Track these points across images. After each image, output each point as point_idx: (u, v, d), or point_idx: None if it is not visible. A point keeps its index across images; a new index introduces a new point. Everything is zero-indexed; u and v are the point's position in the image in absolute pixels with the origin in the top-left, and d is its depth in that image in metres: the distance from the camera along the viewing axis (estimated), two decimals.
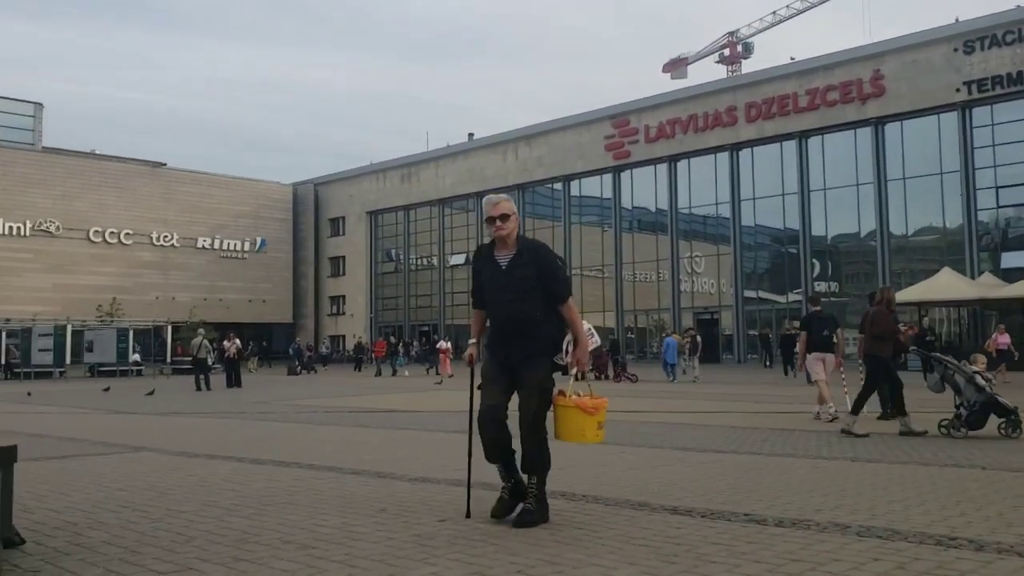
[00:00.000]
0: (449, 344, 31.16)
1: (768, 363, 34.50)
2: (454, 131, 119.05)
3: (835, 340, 11.77)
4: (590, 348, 4.80)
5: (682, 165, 43.06)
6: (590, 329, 4.92)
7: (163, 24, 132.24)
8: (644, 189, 44.96)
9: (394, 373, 31.93)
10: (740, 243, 40.92)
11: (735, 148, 40.81)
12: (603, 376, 26.03)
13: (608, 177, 45.91)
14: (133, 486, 6.26)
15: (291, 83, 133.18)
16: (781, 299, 40.39)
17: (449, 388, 22.23)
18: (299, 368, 37.54)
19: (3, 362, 37.33)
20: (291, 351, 40.94)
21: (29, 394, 19.93)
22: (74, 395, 21.85)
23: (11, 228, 49.09)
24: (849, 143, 37.72)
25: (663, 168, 43.47)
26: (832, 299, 35.86)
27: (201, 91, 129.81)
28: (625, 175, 45.42)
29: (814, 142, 38.79)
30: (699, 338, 27.33)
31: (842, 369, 12.11)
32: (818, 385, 11.42)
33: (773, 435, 9.45)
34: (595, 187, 47.21)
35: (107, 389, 22.23)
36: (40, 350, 34.18)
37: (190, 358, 23.50)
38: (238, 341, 24.33)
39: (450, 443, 8.70)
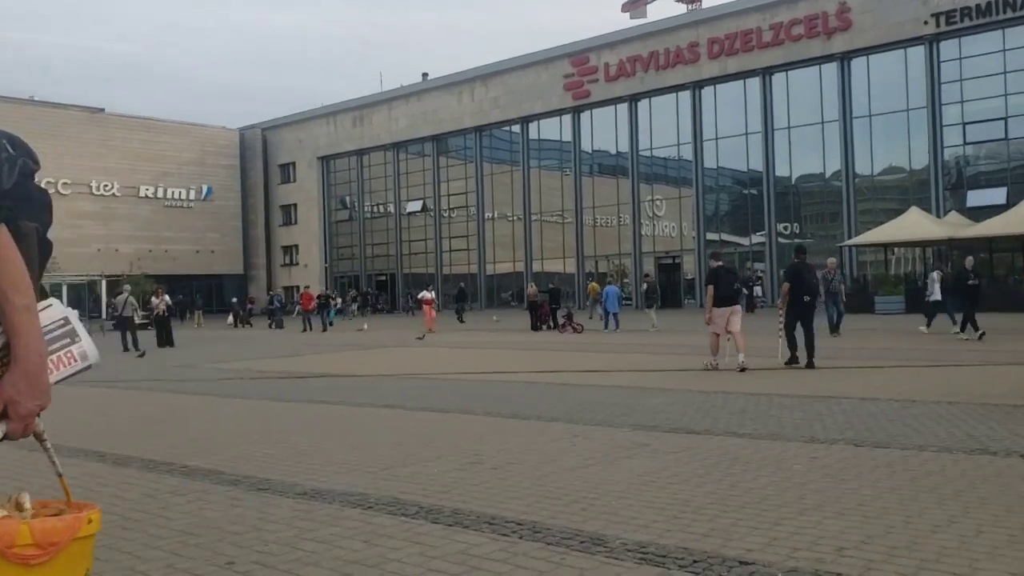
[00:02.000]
0: (433, 294, 28.83)
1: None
2: (408, 74, 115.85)
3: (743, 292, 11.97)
4: (65, 375, 1.75)
5: (643, 105, 41.54)
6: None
7: None
8: (604, 131, 43.43)
9: (325, 328, 29.72)
10: (702, 185, 39.74)
11: (697, 86, 39.36)
12: (546, 327, 24.98)
13: (567, 118, 44.27)
14: None
15: (238, 28, 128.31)
16: (744, 241, 39.44)
17: (416, 345, 20.90)
18: (238, 322, 38.05)
19: None
20: (233, 303, 41.42)
21: None
22: None
23: None
24: (814, 80, 36.47)
25: (623, 108, 41.92)
26: (795, 240, 34.86)
27: (146, 37, 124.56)
28: (585, 116, 43.79)
29: (778, 79, 37.46)
30: (652, 285, 26.16)
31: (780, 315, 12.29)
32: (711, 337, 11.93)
33: (746, 403, 8.23)
34: (554, 129, 45.57)
35: (142, 355, 20.29)
36: None
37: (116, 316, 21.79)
38: (167, 297, 22.62)
39: (373, 423, 7.37)
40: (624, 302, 39.96)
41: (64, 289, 35.05)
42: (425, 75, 53.33)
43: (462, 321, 31.70)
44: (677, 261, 42.11)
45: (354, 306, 43.19)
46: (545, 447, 6.21)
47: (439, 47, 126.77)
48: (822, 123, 36.17)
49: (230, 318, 39.45)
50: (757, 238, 38.37)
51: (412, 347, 19.81)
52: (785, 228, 37.95)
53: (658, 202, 42.52)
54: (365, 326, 29.79)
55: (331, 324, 31.19)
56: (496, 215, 48.47)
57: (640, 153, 41.80)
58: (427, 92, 50.59)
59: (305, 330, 29.31)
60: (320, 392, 10.65)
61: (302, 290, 37.46)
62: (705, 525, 4.02)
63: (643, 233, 42.04)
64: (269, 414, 8.67)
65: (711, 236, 39.85)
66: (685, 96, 39.81)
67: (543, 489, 4.84)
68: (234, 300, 42.94)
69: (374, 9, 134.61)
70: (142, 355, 18.67)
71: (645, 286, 27.00)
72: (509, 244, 47.64)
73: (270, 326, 34.01)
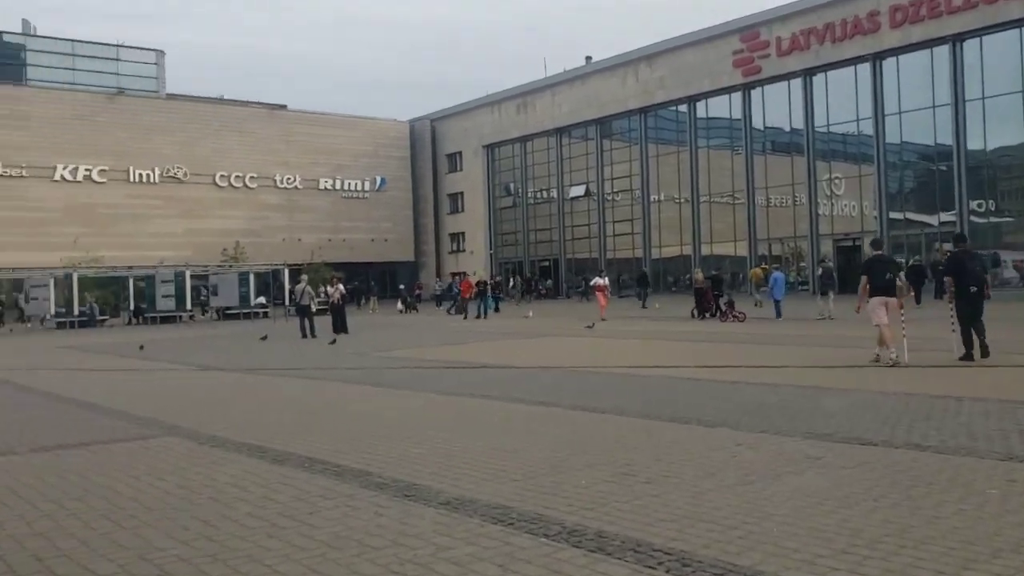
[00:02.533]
0: (607, 280, 27.87)
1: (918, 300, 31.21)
2: (572, 58, 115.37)
3: (898, 283, 11.55)
4: None
5: (818, 79, 39.25)
6: None
7: None
8: (777, 107, 41.42)
9: (482, 316, 29.18)
10: (884, 162, 37.13)
11: (878, 58, 36.72)
12: (708, 315, 23.98)
13: (737, 96, 42.55)
14: (92, 497, 5.04)
15: (406, 21, 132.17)
16: (932, 220, 36.58)
17: (583, 334, 20.75)
18: (406, 308, 39.49)
19: (132, 307, 38.49)
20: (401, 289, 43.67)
21: (141, 347, 19.69)
22: (184, 346, 21.65)
23: (141, 176, 50.41)
24: (1013, 44, 33.15)
25: (797, 84, 39.79)
26: (990, 219, 32.10)
27: (318, 34, 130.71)
28: (756, 93, 41.92)
29: (970, 46, 34.30)
30: (828, 270, 24.38)
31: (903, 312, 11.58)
32: (880, 330, 11.22)
33: (932, 407, 7.45)
34: (723, 107, 43.94)
35: (264, 338, 21.64)
36: (163, 296, 34.86)
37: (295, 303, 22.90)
38: (341, 287, 23.55)
39: (519, 420, 7.23)
40: (800, 288, 38.27)
41: (251, 278, 37.29)
42: (589, 58, 52.88)
43: (645, 307, 31.07)
44: (857, 243, 39.62)
45: (516, 291, 43.46)
46: (704, 458, 5.82)
47: (604, 29, 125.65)
48: (1023, 92, 32.87)
49: (399, 304, 40.86)
50: (946, 216, 35.49)
51: (576, 336, 19.62)
52: (979, 205, 34.85)
53: (836, 180, 40.15)
54: (530, 313, 29.83)
55: (496, 311, 31.41)
56: (662, 197, 47.44)
57: (816, 129, 39.60)
58: (590, 76, 50.11)
59: (465, 317, 29.62)
60: (478, 384, 10.64)
61: (463, 277, 37.80)
62: (878, 565, 3.55)
63: (820, 213, 39.88)
64: (427, 409, 8.70)
65: (895, 215, 37.25)
66: (864, 69, 37.28)
67: (698, 510, 4.48)
68: (401, 287, 44.35)
69: None
70: (333, 342, 19.24)
71: (820, 271, 25.45)
72: (676, 227, 46.52)
73: (448, 311, 34.64)
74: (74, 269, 34.98)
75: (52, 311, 33.14)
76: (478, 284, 30.46)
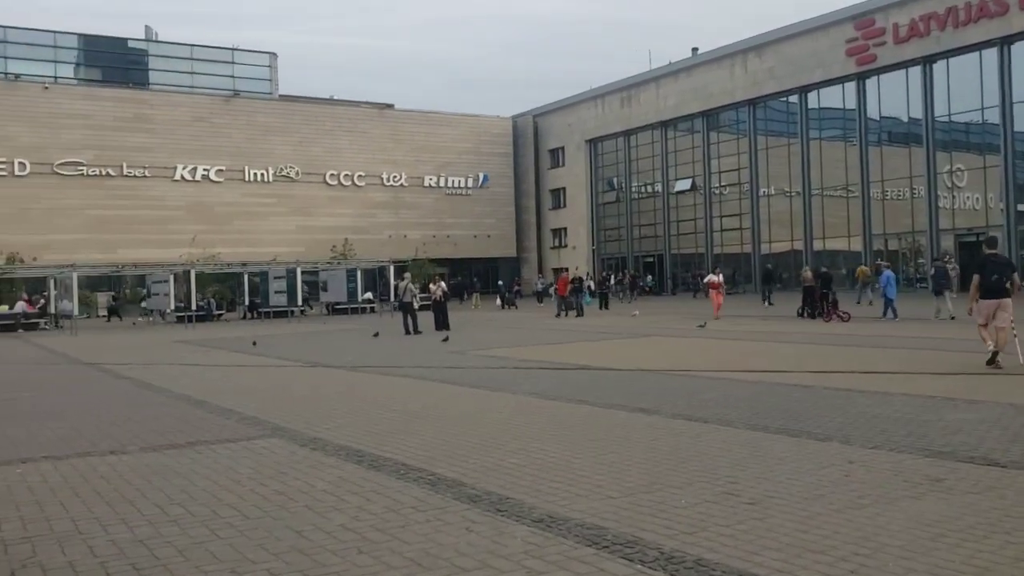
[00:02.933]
0: (721, 277, 26.55)
1: None
2: (676, 51, 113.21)
3: (1013, 284, 11.36)
4: None
5: (939, 67, 37.31)
6: None
7: None
8: (894, 97, 39.62)
9: (580, 313, 28.86)
10: (1012, 151, 35.01)
11: (1005, 42, 34.61)
12: (813, 314, 23.04)
13: (851, 86, 40.91)
14: (193, 503, 5.13)
15: (510, 18, 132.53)
16: None
17: (692, 334, 20.36)
18: (505, 304, 39.86)
19: (247, 302, 39.93)
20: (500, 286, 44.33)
21: (254, 343, 20.34)
22: (294, 342, 22.25)
23: (256, 175, 52.26)
24: None
25: (916, 72, 37.95)
26: None
27: (424, 33, 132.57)
28: (871, 82, 40.21)
29: None
30: (941, 268, 23.01)
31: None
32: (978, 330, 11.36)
33: None
34: (836, 98, 42.33)
35: (376, 335, 22.11)
36: (276, 292, 35.97)
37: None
38: (443, 284, 23.75)
39: (620, 428, 7.02)
40: (920, 286, 36.48)
41: (359, 274, 38.09)
42: (695, 50, 51.81)
43: (771, 304, 30.06)
44: (981, 238, 37.51)
45: (615, 287, 42.70)
46: (813, 477, 5.50)
47: (709, 20, 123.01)
48: None
49: (498, 300, 41.05)
50: None
51: (682, 336, 19.21)
52: None
53: (958, 172, 38.11)
54: (636, 312, 29.30)
55: (605, 308, 30.94)
56: (772, 191, 46.12)
57: (936, 119, 37.67)
58: (697, 67, 49.12)
59: (559, 314, 29.15)
60: (578, 388, 10.47)
61: (559, 275, 37.29)
62: None
63: (940, 207, 37.95)
64: (524, 414, 8.59)
65: (1023, 208, 35.12)
66: (990, 54, 35.22)
67: (805, 537, 4.21)
68: (500, 283, 44.71)
69: None
70: (446, 339, 19.35)
71: (933, 270, 24.16)
72: (786, 221, 45.14)
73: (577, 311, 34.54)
74: (192, 265, 36.47)
75: (172, 306, 34.63)
76: (573, 281, 30.00)
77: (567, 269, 56.44)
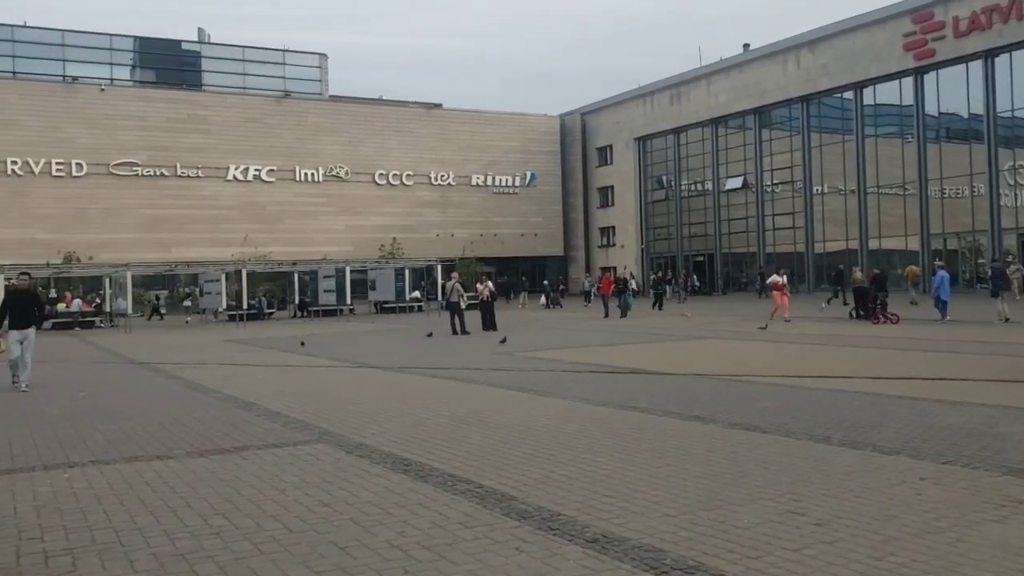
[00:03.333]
0: (785, 278, 25.16)
1: None
2: (728, 46, 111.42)
3: None
4: None
5: (1002, 61, 36.08)
6: None
7: None
8: (953, 92, 38.44)
9: (624, 314, 28.12)
10: None
11: None
12: (864, 315, 22.47)
13: (908, 81, 39.80)
14: (236, 514, 5.00)
15: (558, 14, 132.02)
16: None
17: (744, 338, 19.95)
18: (550, 303, 39.78)
19: (297, 301, 40.27)
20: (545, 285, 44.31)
21: (302, 344, 20.39)
22: (342, 341, 22.30)
23: (307, 175, 52.74)
24: None
25: (977, 66, 36.75)
26: None
27: (472, 31, 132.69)
28: (929, 77, 39.07)
29: None
30: (998, 269, 22.19)
31: None
32: None
33: None
34: (892, 94, 41.24)
35: (430, 335, 21.99)
36: (325, 291, 36.21)
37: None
38: (490, 284, 23.60)
39: (678, 444, 6.75)
40: (979, 286, 35.34)
41: (407, 273, 38.20)
42: (746, 46, 50.98)
43: (827, 304, 29.06)
44: None
45: (672, 286, 41.93)
46: (883, 494, 5.19)
47: (761, 15, 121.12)
48: None
49: (543, 299, 40.88)
50: None
51: (736, 339, 18.79)
52: None
53: (1021, 169, 36.87)
54: (688, 313, 28.79)
55: (659, 308, 30.24)
56: (826, 189, 45.15)
57: (998, 115, 36.47)
58: (748, 63, 48.27)
59: (607, 315, 28.70)
60: (630, 393, 10.20)
61: (604, 274, 36.73)
62: None
63: (1002, 205, 36.74)
64: (575, 421, 8.36)
65: None
66: None
67: (879, 566, 3.92)
68: (545, 282, 44.54)
69: None
70: (504, 341, 19.13)
71: (990, 271, 23.37)
72: (841, 220, 44.15)
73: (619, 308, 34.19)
74: (243, 265, 36.87)
75: (224, 305, 35.04)
76: (617, 281, 29.48)
77: (613, 269, 56.09)
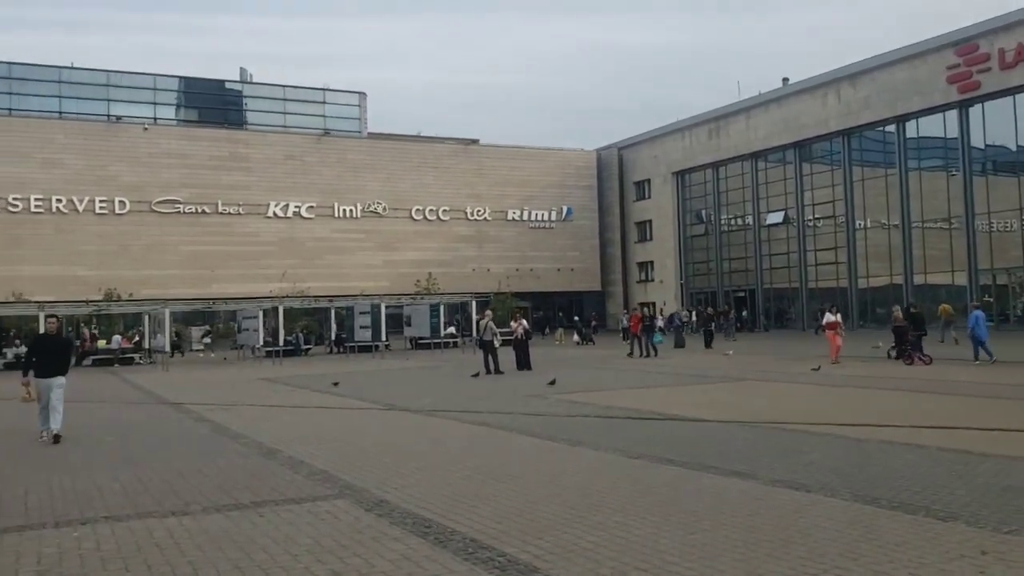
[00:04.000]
0: (839, 316, 23.85)
1: None
2: (766, 80, 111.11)
3: None
4: None
5: None
6: None
7: (471, 6, 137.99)
8: (1000, 124, 37.67)
9: (651, 354, 26.87)
10: None
11: None
12: (897, 356, 21.80)
13: (952, 114, 39.10)
14: None
15: (596, 50, 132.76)
16: None
17: (789, 380, 19.42)
18: (583, 340, 39.64)
19: (333, 337, 40.31)
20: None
21: (336, 384, 20.19)
22: (375, 380, 22.11)
23: (345, 211, 53.13)
24: None
25: None
26: None
27: (509, 66, 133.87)
28: (974, 110, 38.33)
29: None
30: None
31: None
32: None
33: None
34: (936, 126, 40.55)
35: (476, 375, 21.16)
36: (361, 327, 36.17)
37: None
38: (524, 323, 23.25)
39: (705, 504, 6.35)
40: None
41: (441, 308, 38.07)
42: (785, 80, 50.56)
43: (879, 346, 27.56)
44: None
45: (723, 322, 40.30)
46: (941, 571, 4.75)
47: (800, 50, 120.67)
48: None
49: (575, 336, 40.46)
50: None
51: (777, 380, 18.23)
52: None
53: None
54: (730, 351, 28.12)
55: (709, 347, 29.05)
56: (868, 223, 44.36)
57: None
58: (788, 97, 47.85)
59: (631, 353, 27.67)
60: (666, 443, 9.79)
61: (635, 310, 35.64)
62: None
63: None
64: (606, 476, 7.98)
65: None
66: None
67: None
68: (576, 318, 44.59)
69: (732, 16, 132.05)
70: (552, 383, 18.70)
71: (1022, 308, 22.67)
72: (884, 255, 43.29)
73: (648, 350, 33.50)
74: (280, 301, 37.01)
75: (261, 341, 35.13)
76: (643, 319, 28.33)
77: (652, 304, 55.45)
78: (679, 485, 7.43)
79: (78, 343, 37.62)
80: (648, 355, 26.86)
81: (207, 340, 45.49)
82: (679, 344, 32.30)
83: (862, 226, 44.50)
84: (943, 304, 32.87)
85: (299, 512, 6.73)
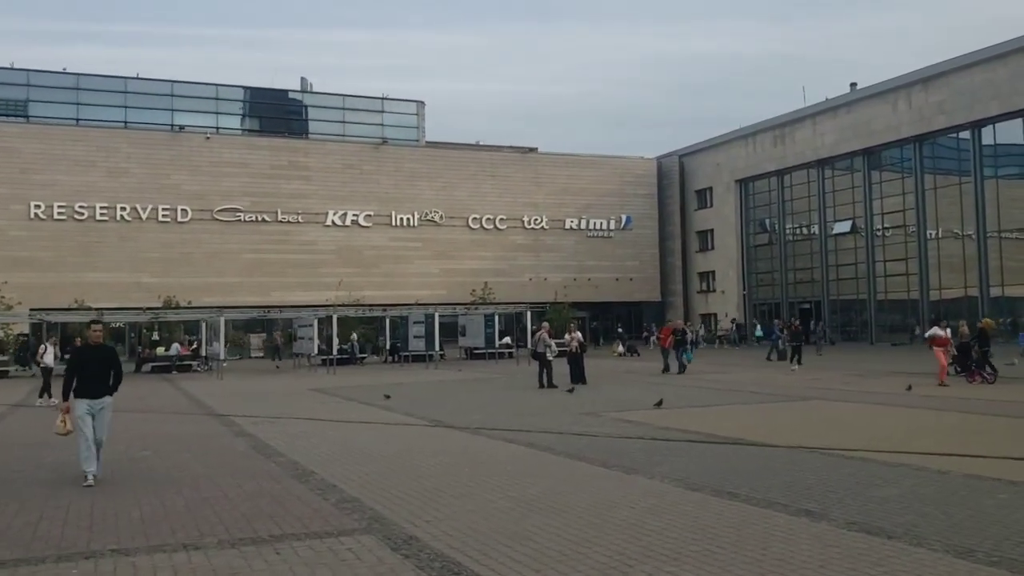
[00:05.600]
0: (948, 331, 21.70)
1: None
2: (832, 88, 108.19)
3: None
4: None
5: None
6: None
7: (533, 16, 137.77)
8: None
9: (681, 370, 25.17)
10: None
11: None
12: (961, 371, 20.62)
13: None
14: None
15: (657, 58, 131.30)
16: None
17: (855, 400, 18.40)
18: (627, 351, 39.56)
19: (388, 346, 40.06)
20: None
21: (387, 396, 19.71)
22: (426, 393, 21.65)
23: (402, 220, 53.07)
24: None
25: None
26: None
27: (571, 76, 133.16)
28: None
29: None
30: None
31: None
32: None
33: None
34: (1015, 133, 38.72)
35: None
36: (415, 336, 35.83)
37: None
38: (579, 334, 22.46)
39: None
40: None
41: (496, 318, 37.52)
42: (854, 85, 48.95)
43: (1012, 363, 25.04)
44: None
45: (819, 338, 37.72)
46: None
47: (867, 56, 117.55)
48: None
49: (619, 347, 39.48)
50: None
51: (846, 400, 17.15)
52: None
53: None
54: (795, 367, 26.82)
55: (799, 363, 27.00)
56: (941, 233, 42.55)
57: None
58: (857, 103, 46.29)
59: (665, 369, 25.77)
60: (728, 472, 8.98)
61: (668, 322, 33.86)
62: None
63: None
64: (660, 511, 7.24)
65: None
66: None
67: None
68: (620, 329, 44.22)
69: (795, 23, 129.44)
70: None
71: None
72: (958, 266, 41.47)
73: (768, 358, 32.24)
74: (333, 309, 36.92)
75: (315, 350, 35.02)
76: (674, 332, 26.41)
77: (713, 316, 54.14)
78: (741, 526, 6.65)
79: (140, 350, 38.02)
80: (679, 371, 25.10)
81: (269, 347, 45.47)
82: (782, 357, 30.52)
83: (934, 236, 42.72)
84: (985, 318, 31.42)
85: (319, 550, 6.15)
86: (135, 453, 11.40)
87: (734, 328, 50.75)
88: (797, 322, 31.49)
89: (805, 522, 6.71)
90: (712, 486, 8.22)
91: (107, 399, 9.35)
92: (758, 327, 51.53)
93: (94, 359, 9.39)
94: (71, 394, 9.23)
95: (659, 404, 15.98)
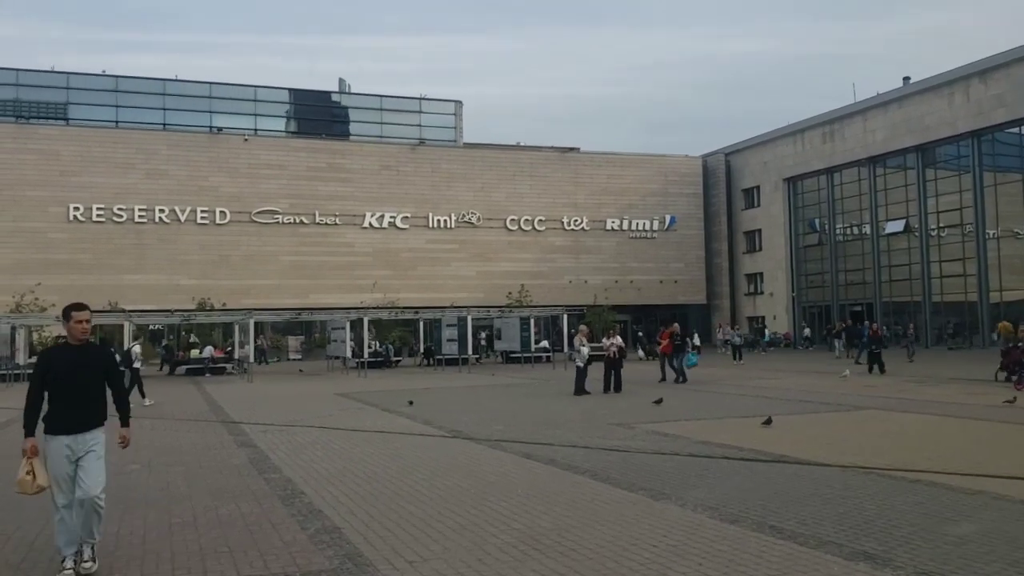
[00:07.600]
0: None
1: None
2: (882, 84, 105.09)
3: None
4: None
5: None
6: None
7: (574, 20, 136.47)
8: None
9: (680, 378, 23.22)
10: None
11: None
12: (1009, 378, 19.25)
13: None
14: None
15: (701, 58, 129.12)
16: None
17: (916, 411, 17.04)
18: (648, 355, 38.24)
19: (422, 349, 39.22)
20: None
21: (411, 403, 18.78)
22: (452, 400, 20.70)
23: (439, 221, 52.27)
24: None
25: None
26: None
27: (615, 78, 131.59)
28: None
29: None
30: None
31: None
32: None
33: None
34: None
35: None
36: (448, 340, 34.94)
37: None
38: (618, 339, 21.23)
39: None
40: None
41: (532, 321, 36.44)
42: (907, 79, 46.97)
43: None
44: None
45: (910, 343, 34.28)
46: None
47: (918, 54, 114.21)
48: None
49: (640, 352, 38.19)
50: None
51: (906, 411, 15.75)
52: None
53: None
54: (847, 372, 25.17)
55: (881, 372, 25.19)
56: (1001, 233, 40.48)
57: None
58: (909, 97, 44.36)
59: (663, 379, 23.55)
60: (772, 499, 7.78)
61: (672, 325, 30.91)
62: None
63: None
64: (694, 558, 6.10)
65: None
66: None
67: None
68: (640, 334, 42.56)
69: (844, 22, 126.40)
70: (659, 402, 16.64)
71: None
72: (1019, 267, 39.43)
73: (854, 359, 30.72)
74: (365, 312, 36.22)
75: (348, 352, 34.32)
76: (672, 336, 23.88)
77: (761, 318, 52.37)
78: (786, 566, 5.48)
79: (178, 353, 37.46)
80: (679, 380, 23.10)
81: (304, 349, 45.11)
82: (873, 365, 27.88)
83: (993, 235, 40.66)
84: (1003, 321, 29.73)
85: None
86: (123, 467, 10.54)
87: (736, 334, 47.01)
88: (875, 326, 29.00)
89: (865, 570, 5.52)
90: (752, 517, 7.05)
91: (97, 434, 5.93)
92: (806, 330, 49.78)
93: (77, 366, 5.81)
94: (39, 426, 5.78)
95: (658, 402, 15.76)
